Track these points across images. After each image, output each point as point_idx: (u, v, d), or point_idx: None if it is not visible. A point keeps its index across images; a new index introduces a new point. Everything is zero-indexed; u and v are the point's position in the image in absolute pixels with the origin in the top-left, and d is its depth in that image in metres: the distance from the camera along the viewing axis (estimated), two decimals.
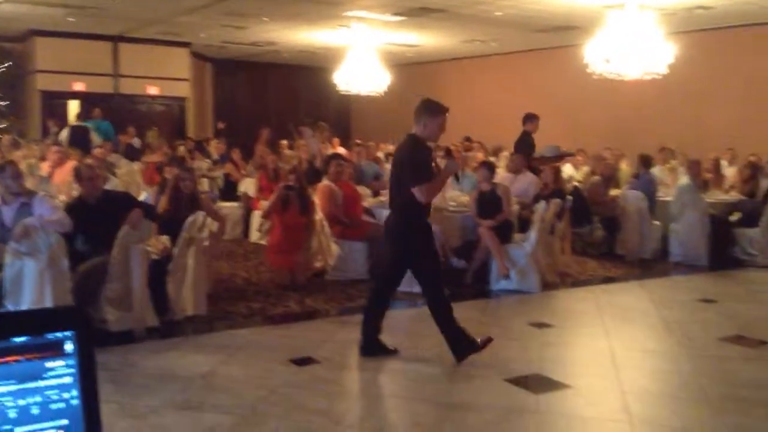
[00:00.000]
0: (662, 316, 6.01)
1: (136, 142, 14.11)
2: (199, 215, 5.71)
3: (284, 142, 13.43)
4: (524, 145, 9.21)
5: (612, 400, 4.21)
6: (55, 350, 1.08)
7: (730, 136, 11.83)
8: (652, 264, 8.27)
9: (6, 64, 14.43)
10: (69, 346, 1.09)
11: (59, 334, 1.08)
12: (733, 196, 9.30)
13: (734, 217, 8.83)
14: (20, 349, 1.06)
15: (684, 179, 8.77)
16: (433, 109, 4.64)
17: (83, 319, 1.12)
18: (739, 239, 8.52)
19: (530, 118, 9.34)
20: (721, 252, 8.37)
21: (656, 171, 9.95)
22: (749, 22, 12.32)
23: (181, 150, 11.80)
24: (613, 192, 9.46)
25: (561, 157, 10.17)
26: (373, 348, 4.77)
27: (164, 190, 6.62)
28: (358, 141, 11.25)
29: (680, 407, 4.16)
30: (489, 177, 7.34)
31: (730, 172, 10.79)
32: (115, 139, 13.26)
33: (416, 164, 4.55)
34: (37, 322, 1.09)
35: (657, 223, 8.70)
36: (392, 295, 4.97)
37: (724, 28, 12.83)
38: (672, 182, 9.27)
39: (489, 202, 7.17)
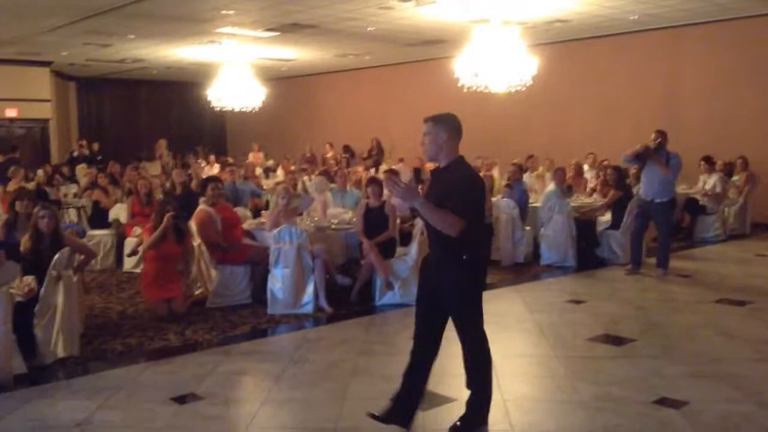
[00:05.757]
0: (535, 320, 6.31)
1: None
2: (66, 251, 5.42)
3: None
4: None
5: (494, 408, 4.36)
6: None
7: (590, 141, 12.58)
8: (525, 268, 8.66)
9: None
10: None
11: None
12: (596, 199, 9.86)
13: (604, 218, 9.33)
14: None
15: (551, 185, 9.25)
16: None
17: None
18: (603, 240, 9.07)
19: None
20: (587, 253, 8.89)
21: (525, 178, 10.41)
22: (601, 33, 13.21)
23: (39, 175, 11.16)
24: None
25: None
26: None
27: (14, 224, 6.31)
28: (230, 160, 10.99)
29: (556, 411, 4.38)
30: (379, 194, 7.42)
31: (590, 174, 11.49)
32: None
33: None
34: None
35: (528, 228, 9.13)
36: None
37: (580, 40, 13.70)
38: (540, 188, 9.74)
39: (376, 219, 7.24)
